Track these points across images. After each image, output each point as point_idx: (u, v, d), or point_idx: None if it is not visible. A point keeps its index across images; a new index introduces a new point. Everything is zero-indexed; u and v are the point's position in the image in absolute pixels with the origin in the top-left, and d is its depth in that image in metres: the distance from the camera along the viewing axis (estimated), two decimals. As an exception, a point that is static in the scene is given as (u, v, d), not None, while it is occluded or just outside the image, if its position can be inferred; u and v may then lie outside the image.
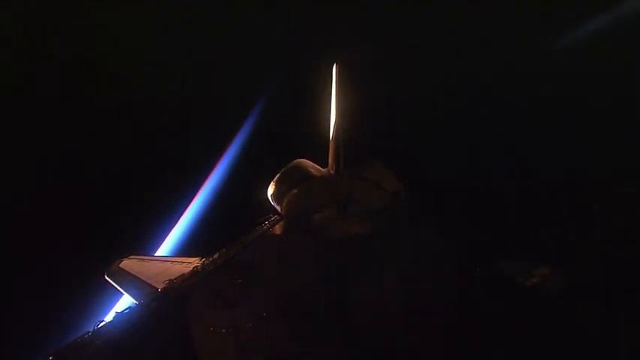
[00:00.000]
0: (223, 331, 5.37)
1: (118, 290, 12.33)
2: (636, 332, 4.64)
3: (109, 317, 6.32)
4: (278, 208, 15.34)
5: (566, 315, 5.16)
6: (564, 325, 4.91)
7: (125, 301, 12.33)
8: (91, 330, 5.79)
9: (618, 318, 4.83)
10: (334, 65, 20.71)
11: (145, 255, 14.29)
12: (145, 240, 28.12)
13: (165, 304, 6.77)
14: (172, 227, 30.62)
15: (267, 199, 16.17)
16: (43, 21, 32.70)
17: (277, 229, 10.71)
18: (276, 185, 15.81)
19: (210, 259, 9.00)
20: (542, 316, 5.19)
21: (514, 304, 5.57)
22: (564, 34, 32.42)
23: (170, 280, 8.35)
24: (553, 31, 33.14)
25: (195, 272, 8.23)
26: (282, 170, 16.17)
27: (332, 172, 16.53)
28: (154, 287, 10.27)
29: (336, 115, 18.37)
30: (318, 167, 16.95)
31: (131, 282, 12.02)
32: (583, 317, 4.99)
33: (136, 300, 10.73)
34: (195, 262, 10.36)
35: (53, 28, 33.26)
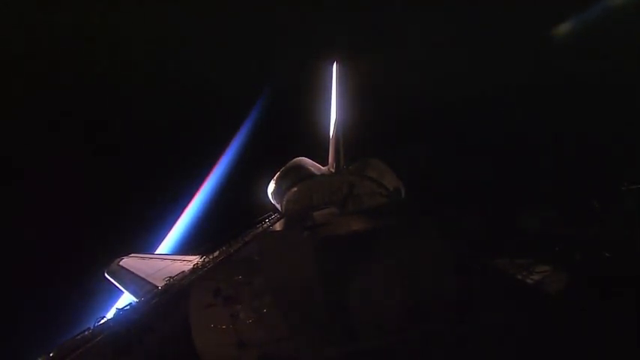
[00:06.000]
0: (223, 327, 5.38)
1: (119, 288, 12.37)
2: (635, 331, 4.64)
3: (109, 314, 6.35)
4: (278, 206, 15.34)
5: (566, 314, 5.16)
6: (564, 325, 4.91)
7: (125, 299, 12.35)
8: (92, 327, 5.82)
9: (617, 317, 4.83)
10: (335, 64, 20.78)
11: (145, 253, 14.32)
12: (145, 238, 28.15)
13: (165, 302, 6.79)
14: (172, 226, 30.66)
15: (268, 197, 16.19)
16: (38, 20, 32.62)
17: (277, 227, 10.71)
18: (276, 183, 15.81)
19: (211, 256, 9.03)
20: (542, 316, 5.19)
21: (514, 303, 5.57)
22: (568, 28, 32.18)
23: (170, 277, 8.38)
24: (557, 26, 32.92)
25: (195, 270, 8.25)
26: (283, 168, 16.17)
27: (332, 170, 16.54)
28: (154, 285, 10.28)
29: (336, 113, 18.41)
30: (319, 165, 16.95)
31: (131, 280, 12.06)
32: (582, 316, 5.00)
33: (136, 297, 10.76)
34: (195, 260, 10.38)
35: (48, 27, 33.18)
